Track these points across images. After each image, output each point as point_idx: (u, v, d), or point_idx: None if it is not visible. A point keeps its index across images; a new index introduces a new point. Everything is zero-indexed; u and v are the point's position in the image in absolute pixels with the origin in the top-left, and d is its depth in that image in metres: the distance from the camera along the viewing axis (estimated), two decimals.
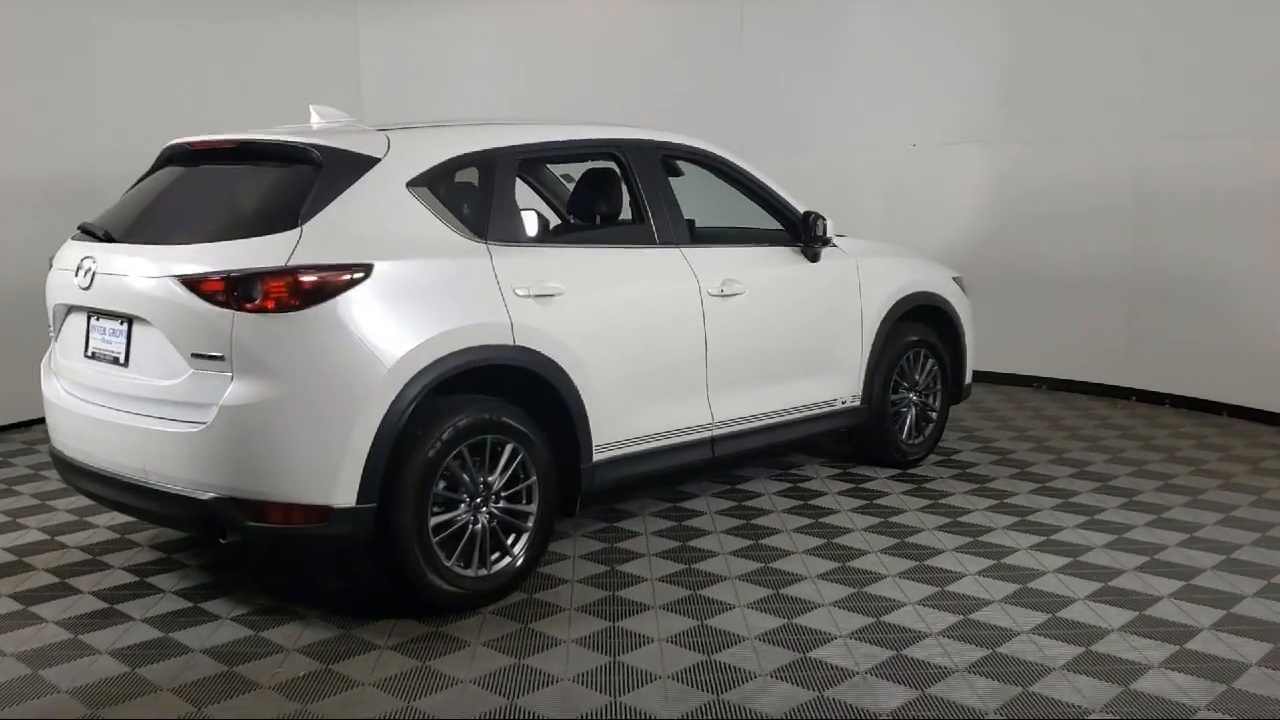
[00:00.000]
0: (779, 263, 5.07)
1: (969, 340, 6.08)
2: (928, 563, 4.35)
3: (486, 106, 8.44)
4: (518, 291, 3.95)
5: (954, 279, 6.04)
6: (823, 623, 3.81)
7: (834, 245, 5.34)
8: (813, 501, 5.17)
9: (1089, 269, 7.60)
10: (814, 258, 5.15)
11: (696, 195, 5.38)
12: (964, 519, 4.90)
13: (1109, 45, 7.39)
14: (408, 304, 3.68)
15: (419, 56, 8.81)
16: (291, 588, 4.17)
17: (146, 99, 7.12)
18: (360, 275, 3.59)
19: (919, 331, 5.76)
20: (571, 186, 5.13)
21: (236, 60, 7.71)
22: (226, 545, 3.79)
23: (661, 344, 4.46)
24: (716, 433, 4.73)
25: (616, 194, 4.70)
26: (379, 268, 3.64)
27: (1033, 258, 7.87)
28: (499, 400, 3.94)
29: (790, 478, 5.57)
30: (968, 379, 6.15)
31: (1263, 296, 6.74)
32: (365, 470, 3.58)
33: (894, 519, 4.91)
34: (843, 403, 5.37)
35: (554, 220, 5.25)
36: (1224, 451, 6.07)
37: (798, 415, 5.11)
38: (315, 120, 4.29)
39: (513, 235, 4.08)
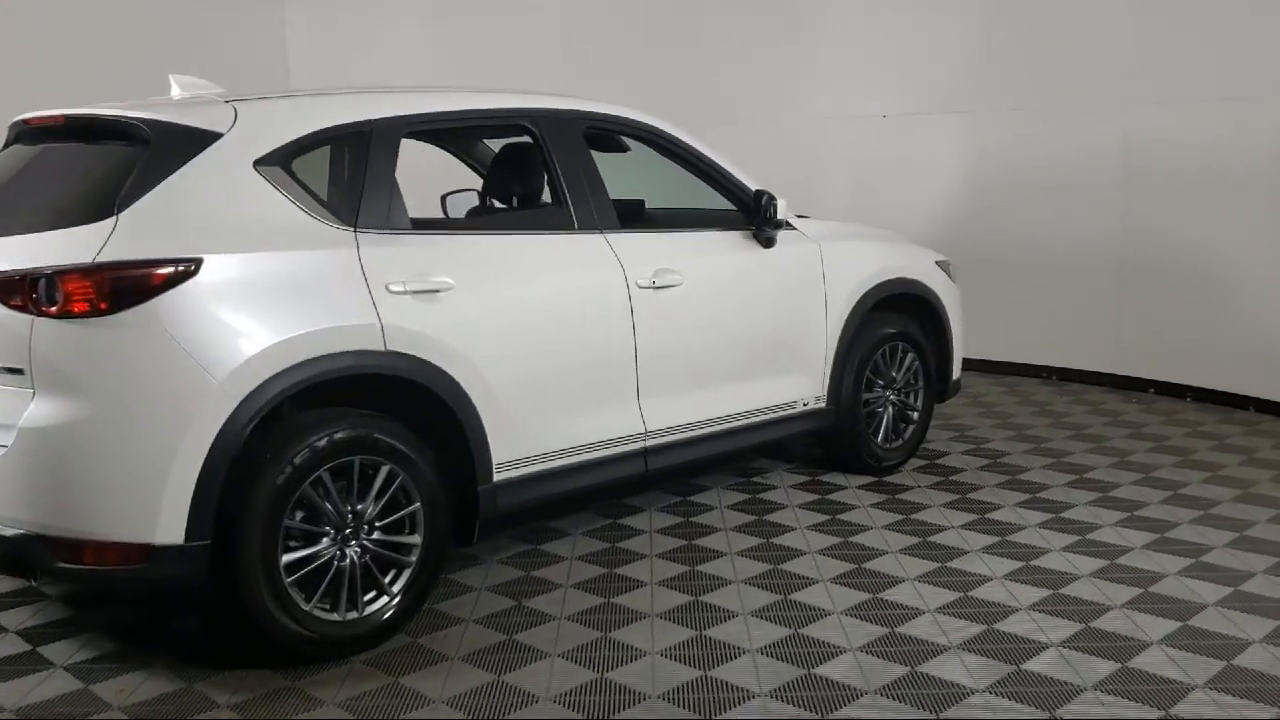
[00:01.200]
0: (725, 249, 4.47)
1: (956, 332, 5.45)
2: (883, 595, 3.76)
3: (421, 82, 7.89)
4: (391, 287, 3.39)
5: (938, 263, 5.40)
6: (743, 675, 3.24)
7: (793, 228, 4.73)
8: (769, 516, 4.58)
9: (1082, 246, 6.93)
10: (767, 242, 4.55)
11: (651, 174, 4.80)
12: (935, 538, 4.29)
13: (1094, 2, 6.73)
14: (248, 305, 3.13)
15: (349, 33, 8.26)
16: (149, 626, 3.66)
17: (64, 87, 6.61)
18: (186, 271, 3.05)
19: (896, 323, 5.14)
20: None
21: (159, 44, 7.21)
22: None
23: (579, 344, 3.89)
24: (650, 444, 4.15)
25: (533, 173, 4.13)
26: (211, 262, 3.09)
27: (1021, 234, 7.23)
28: (372, 415, 3.38)
29: (751, 487, 4.98)
30: (955, 374, 5.52)
31: None
32: (194, 502, 3.04)
33: (855, 538, 4.31)
34: (804, 405, 4.77)
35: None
36: (1246, 455, 5.41)
37: (749, 421, 4.52)
38: (175, 92, 3.75)
39: (390, 222, 3.51)
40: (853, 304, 4.89)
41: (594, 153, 4.82)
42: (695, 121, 7.89)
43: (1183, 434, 5.83)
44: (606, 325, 3.96)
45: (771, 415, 4.62)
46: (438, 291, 3.49)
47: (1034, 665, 3.24)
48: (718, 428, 4.39)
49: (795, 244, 4.70)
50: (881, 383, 5.13)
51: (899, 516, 4.56)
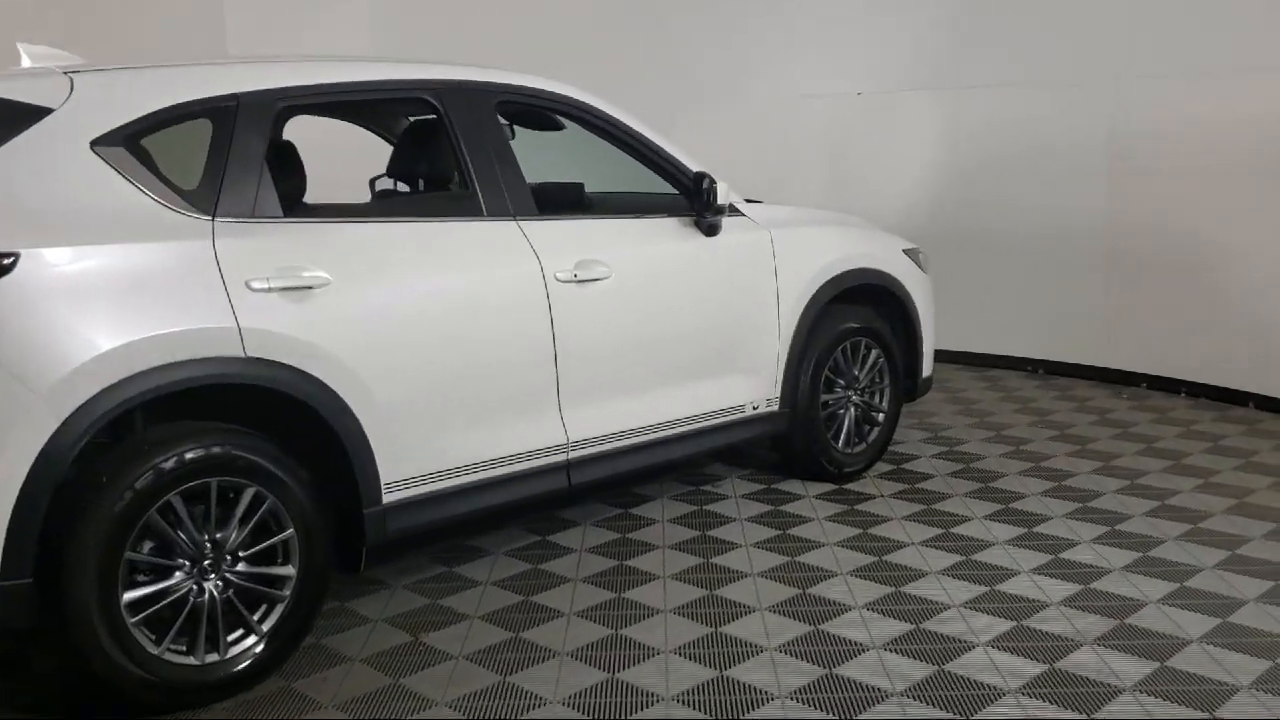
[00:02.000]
0: (661, 237, 4.04)
1: (926, 325, 5.02)
2: (825, 627, 3.34)
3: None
4: (253, 284, 2.97)
5: (906, 251, 4.97)
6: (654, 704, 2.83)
7: (740, 214, 4.30)
8: (713, 531, 4.16)
9: (1070, 230, 6.49)
10: (710, 230, 4.11)
11: (599, 155, 4.37)
12: (892, 556, 3.87)
13: None
14: (76, 305, 2.71)
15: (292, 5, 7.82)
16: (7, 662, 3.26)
17: None
18: (1, 266, 2.63)
19: (859, 317, 4.71)
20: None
21: (95, 13, 6.78)
22: None
23: (484, 347, 3.46)
24: (574, 455, 3.73)
25: (439, 153, 3.70)
26: (31, 256, 2.67)
27: (1004, 218, 6.80)
28: (233, 431, 2.97)
29: (699, 497, 4.56)
30: (926, 371, 5.09)
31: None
32: (10, 534, 2.63)
33: (803, 557, 3.89)
34: (754, 408, 4.34)
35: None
36: (1243, 459, 4.97)
37: (690, 428, 4.09)
38: (25, 62, 3.32)
39: (257, 209, 3.08)
40: (808, 297, 4.46)
41: (529, 131, 4.45)
42: (662, 100, 7.51)
43: (1175, 434, 5.39)
44: (518, 324, 3.54)
45: (716, 421, 4.19)
46: (311, 288, 3.06)
47: (994, 715, 2.82)
48: (653, 436, 3.97)
49: (742, 232, 4.26)
50: (842, 382, 4.71)
51: (855, 531, 4.14)
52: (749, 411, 4.33)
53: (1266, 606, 3.41)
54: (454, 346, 3.38)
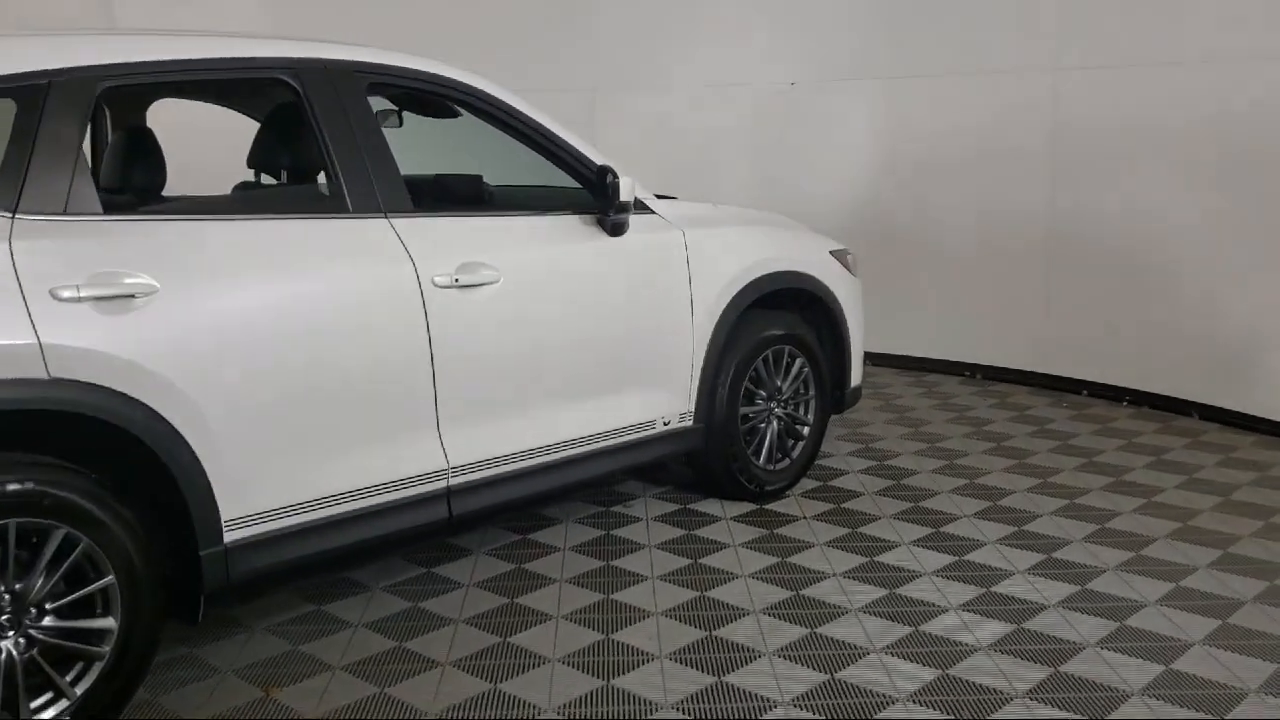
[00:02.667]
0: (559, 238, 3.65)
1: (855, 332, 4.68)
2: (731, 679, 2.98)
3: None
4: (60, 293, 2.54)
5: (834, 253, 4.62)
6: None
7: (650, 211, 3.93)
8: (618, 561, 3.79)
9: (1009, 227, 6.21)
10: (615, 229, 3.73)
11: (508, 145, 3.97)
12: (811, 591, 3.53)
13: None
14: None
15: None
16: None
17: None
18: None
19: (782, 323, 4.36)
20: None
21: None
22: None
23: (346, 362, 3.05)
24: (455, 482, 3.34)
25: (298, 141, 3.29)
26: None
27: (942, 215, 6.51)
28: (39, 464, 2.54)
29: (607, 519, 4.19)
30: (855, 381, 4.76)
31: (1227, 267, 5.34)
32: None
33: (714, 591, 3.53)
34: (665, 424, 3.98)
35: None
36: (1186, 475, 4.69)
37: (591, 448, 3.72)
38: None
39: (71, 205, 2.65)
40: (726, 302, 4.10)
41: (423, 119, 4.05)
42: (579, 88, 7.13)
43: (1116, 447, 5.11)
44: (387, 335, 3.13)
45: (621, 439, 3.82)
46: (133, 297, 2.64)
47: None
48: (549, 458, 3.58)
49: (652, 231, 3.89)
50: (764, 394, 4.36)
51: (773, 560, 3.79)
52: (659, 428, 3.96)
53: (1212, 649, 3.10)
54: (308, 363, 2.97)
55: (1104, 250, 5.86)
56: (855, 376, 4.75)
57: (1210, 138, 5.34)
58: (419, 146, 4.51)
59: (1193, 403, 5.61)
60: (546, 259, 3.56)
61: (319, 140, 3.15)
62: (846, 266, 4.67)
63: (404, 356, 3.17)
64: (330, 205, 3.15)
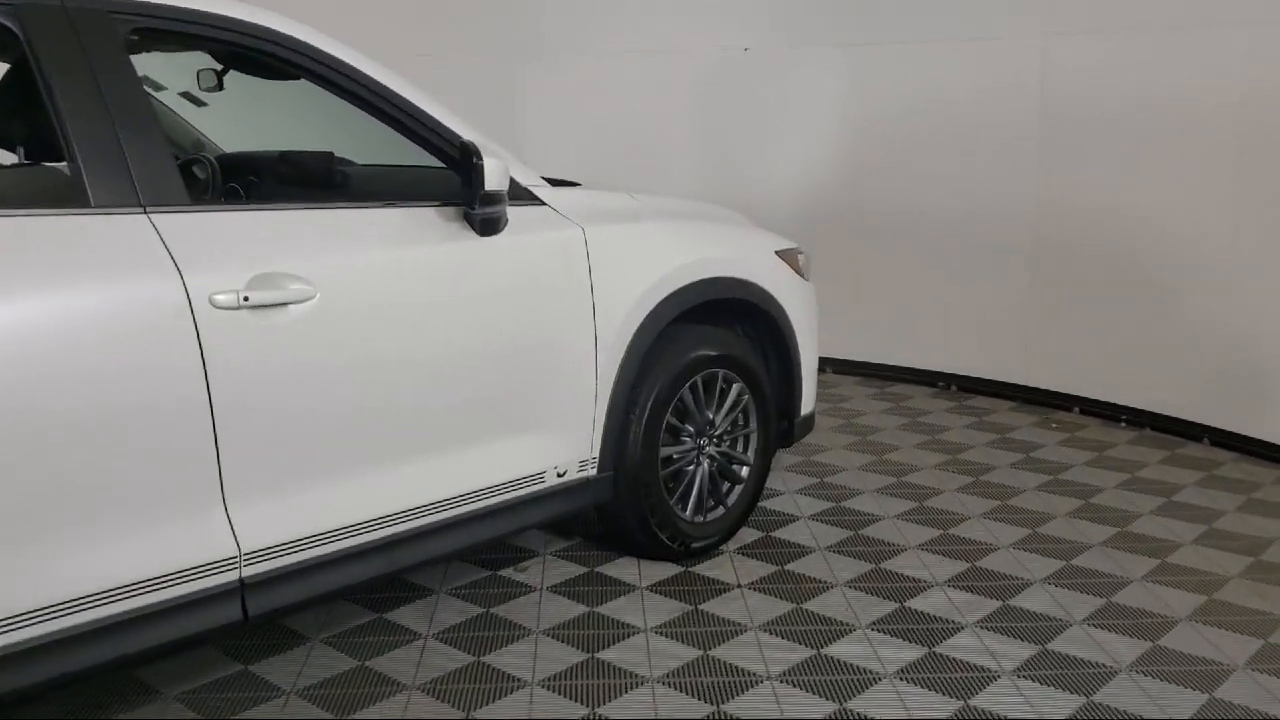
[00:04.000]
0: (409, 239, 2.76)
1: (807, 349, 3.84)
2: None
3: None
4: None
5: (781, 253, 3.77)
6: None
7: (540, 203, 3.05)
8: (490, 657, 2.94)
9: (990, 219, 5.38)
10: (486, 227, 2.84)
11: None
12: (738, 705, 2.68)
13: None
14: None
15: None
16: None
17: None
18: None
19: (715, 341, 3.51)
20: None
21: None
22: None
23: (78, 415, 2.17)
24: (251, 573, 2.46)
25: (21, 108, 2.40)
26: None
27: (914, 204, 5.67)
28: None
29: (491, 590, 3.34)
30: (806, 408, 3.91)
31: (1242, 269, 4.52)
32: None
33: (612, 706, 2.68)
34: (560, 474, 3.11)
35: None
36: (1204, 524, 3.88)
37: (452, 514, 2.85)
38: None
39: None
40: (641, 318, 3.24)
41: (264, 81, 3.16)
42: (498, 57, 6.23)
43: (1117, 484, 4.29)
44: (142, 378, 2.25)
45: (497, 500, 2.95)
46: None
47: None
48: (386, 533, 2.71)
49: (541, 229, 3.01)
50: (692, 429, 3.50)
51: (694, 654, 2.94)
52: (552, 481, 3.09)
53: None
54: (19, 421, 2.08)
55: (1102, 246, 5.04)
56: (807, 402, 3.91)
57: (1233, 117, 4.51)
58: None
59: (1203, 425, 4.81)
60: (385, 267, 2.67)
61: (48, 107, 2.25)
62: (796, 269, 3.81)
63: (168, 406, 2.28)
64: (61, 196, 2.26)
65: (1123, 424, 5.08)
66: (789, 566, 3.50)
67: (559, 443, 3.09)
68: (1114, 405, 5.12)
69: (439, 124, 2.83)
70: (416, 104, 2.81)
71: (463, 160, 2.77)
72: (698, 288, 3.40)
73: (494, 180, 2.73)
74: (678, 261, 3.35)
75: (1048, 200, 5.21)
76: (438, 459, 2.79)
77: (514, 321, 2.92)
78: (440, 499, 2.79)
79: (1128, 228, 4.93)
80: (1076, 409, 5.26)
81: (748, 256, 3.63)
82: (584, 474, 3.18)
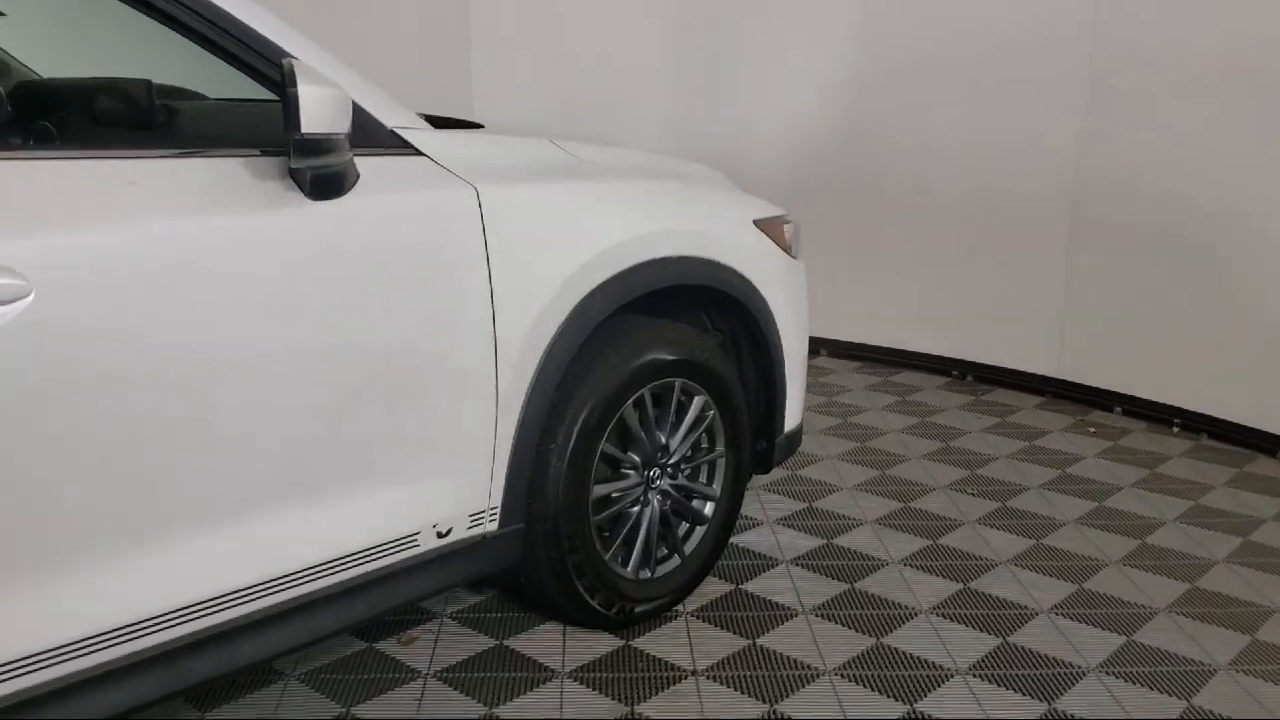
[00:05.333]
0: (203, 204, 1.84)
1: (794, 348, 2.95)
2: None
3: None
4: None
5: (762, 223, 2.87)
6: None
7: (415, 152, 2.14)
8: None
9: (1018, 183, 4.47)
10: (319, 186, 1.93)
11: None
12: None
13: None
14: None
15: None
16: None
17: None
18: None
19: (671, 342, 2.62)
20: None
21: None
22: None
23: None
24: None
25: None
26: None
27: (929, 160, 4.74)
28: None
29: (360, 677, 2.48)
30: (791, 422, 3.04)
31: None
32: None
33: None
34: (440, 534, 2.23)
35: None
36: (1262, 560, 3.03)
37: (272, 602, 1.97)
38: None
39: None
40: (566, 313, 2.35)
41: None
42: None
43: (1176, 515, 3.43)
44: None
45: (343, 577, 2.07)
46: None
47: None
48: (175, 633, 1.83)
49: (413, 189, 2.11)
50: (638, 459, 2.63)
51: None
52: (430, 544, 2.21)
53: None
54: None
55: (1156, 215, 4.14)
56: (792, 415, 3.03)
57: None
58: None
59: (1274, 435, 3.94)
60: (148, 250, 1.76)
61: None
62: (782, 244, 2.92)
63: None
64: None
65: (1175, 430, 4.21)
66: (764, 640, 2.64)
67: (439, 490, 2.21)
68: (1165, 407, 4.25)
69: (252, 34, 1.91)
70: (218, 4, 1.89)
71: (283, 89, 1.86)
72: (646, 271, 2.51)
73: (318, 117, 1.82)
74: (619, 235, 2.46)
75: (1092, 158, 4.30)
76: (245, 526, 1.90)
77: (362, 325, 2.02)
78: (248, 584, 1.91)
79: (1190, 197, 4.03)
80: (1118, 409, 4.40)
81: (717, 228, 2.73)
82: (478, 530, 2.30)
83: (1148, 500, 3.55)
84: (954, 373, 4.88)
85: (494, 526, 2.32)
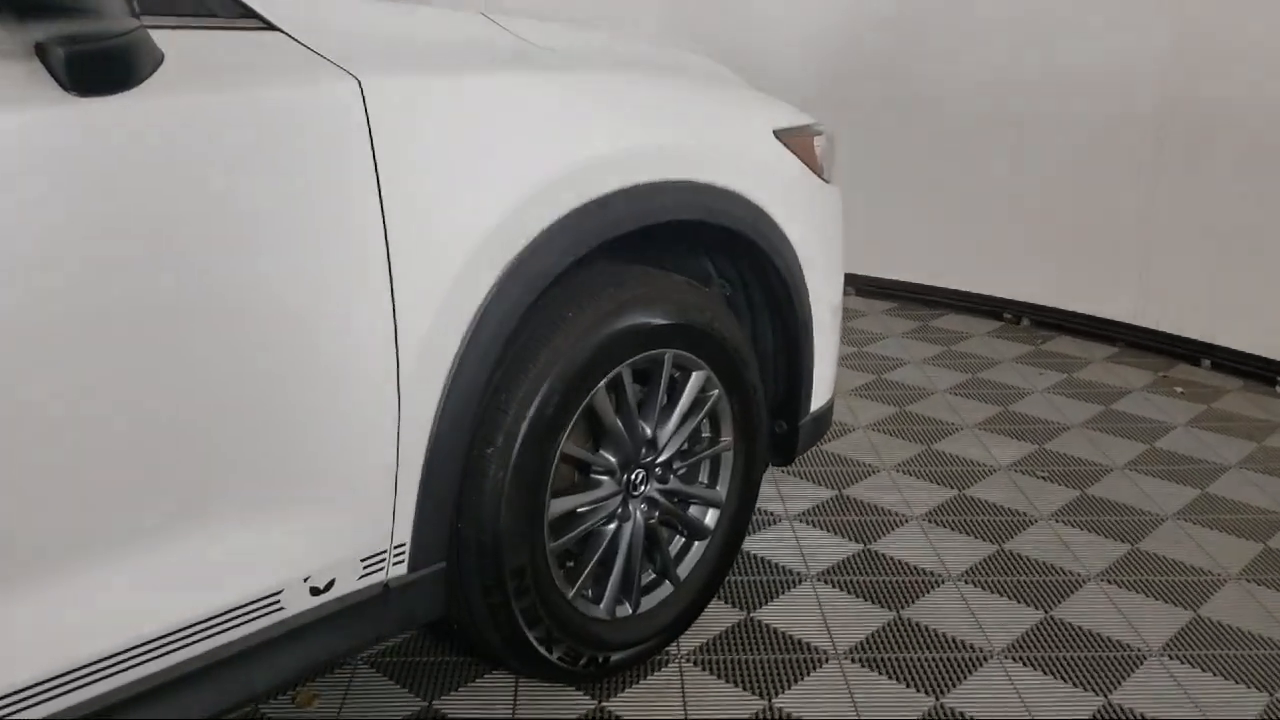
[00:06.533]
0: None
1: (825, 304, 2.23)
2: None
3: None
4: None
5: (784, 134, 2.12)
6: None
7: (263, 25, 1.41)
8: None
9: (1093, 82, 3.70)
10: (100, 73, 1.20)
11: None
12: None
13: None
14: None
15: None
16: None
17: None
18: None
19: (660, 300, 1.89)
20: None
21: None
22: None
23: None
24: None
25: None
26: None
27: (984, 61, 3.94)
28: None
29: None
30: (820, 399, 2.32)
31: None
32: None
33: None
34: (316, 589, 1.53)
35: None
36: None
37: (56, 706, 1.28)
38: None
39: None
40: (499, 269, 1.63)
41: None
42: None
43: (1258, 496, 2.73)
44: None
45: (167, 662, 1.38)
46: None
47: None
48: None
49: (254, 82, 1.37)
50: (614, 459, 1.92)
51: None
52: (303, 603, 1.51)
53: None
54: None
55: (1264, 132, 3.37)
56: (822, 389, 2.32)
57: None
58: None
59: None
60: None
61: None
62: (811, 162, 2.17)
63: None
64: None
65: (1279, 388, 3.49)
66: (785, 700, 1.96)
67: (311, 529, 1.51)
68: (1267, 362, 3.52)
69: None
70: None
71: None
72: (623, 203, 1.78)
73: None
74: (582, 151, 1.73)
75: (1183, 61, 3.51)
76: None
77: (162, 291, 1.30)
78: (23, 684, 1.23)
79: None
80: (1207, 362, 3.67)
81: (723, 141, 1.99)
82: (375, 578, 1.60)
83: (1257, 484, 2.84)
84: (1006, 316, 4.15)
85: (401, 571, 1.63)
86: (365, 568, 1.58)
